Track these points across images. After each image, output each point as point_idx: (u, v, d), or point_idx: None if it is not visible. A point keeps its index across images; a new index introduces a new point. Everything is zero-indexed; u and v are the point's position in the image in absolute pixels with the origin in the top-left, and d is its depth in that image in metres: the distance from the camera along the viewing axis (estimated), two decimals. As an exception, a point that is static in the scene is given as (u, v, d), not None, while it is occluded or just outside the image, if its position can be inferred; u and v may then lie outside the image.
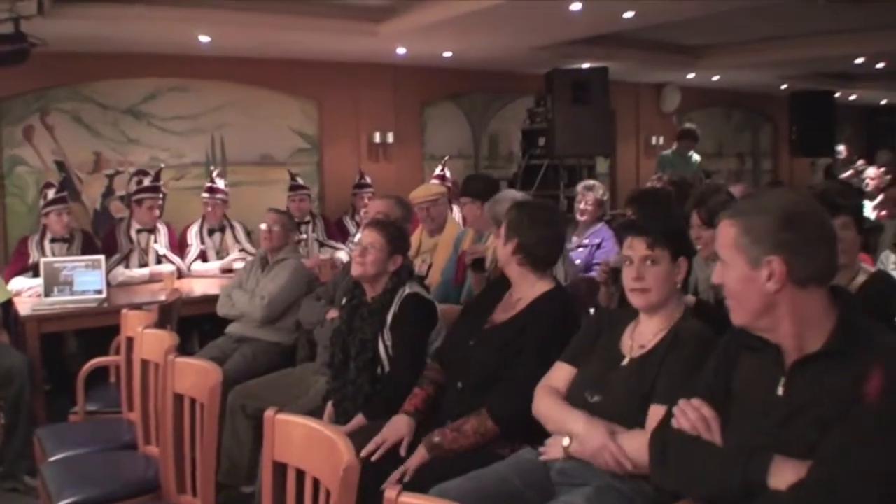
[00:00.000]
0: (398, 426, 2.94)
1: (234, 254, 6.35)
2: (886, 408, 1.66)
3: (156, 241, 6.12)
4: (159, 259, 6.07)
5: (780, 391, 1.85)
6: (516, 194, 4.21)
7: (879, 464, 1.63)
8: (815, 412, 1.75)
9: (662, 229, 2.51)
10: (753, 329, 1.90)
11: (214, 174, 6.73)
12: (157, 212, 6.17)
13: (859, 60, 9.31)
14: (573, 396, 2.50)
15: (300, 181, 7.13)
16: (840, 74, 11.23)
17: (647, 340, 2.46)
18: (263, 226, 5.00)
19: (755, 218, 1.84)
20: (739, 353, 2.00)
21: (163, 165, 6.93)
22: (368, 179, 7.59)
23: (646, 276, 2.47)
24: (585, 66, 8.59)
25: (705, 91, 11.74)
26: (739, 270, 1.85)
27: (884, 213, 7.16)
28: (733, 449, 1.85)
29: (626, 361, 2.47)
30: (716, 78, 10.76)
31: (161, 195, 6.28)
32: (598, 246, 5.37)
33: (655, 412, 2.19)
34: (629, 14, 6.36)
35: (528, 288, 3.00)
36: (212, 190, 6.50)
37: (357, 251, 3.46)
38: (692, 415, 1.94)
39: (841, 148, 11.46)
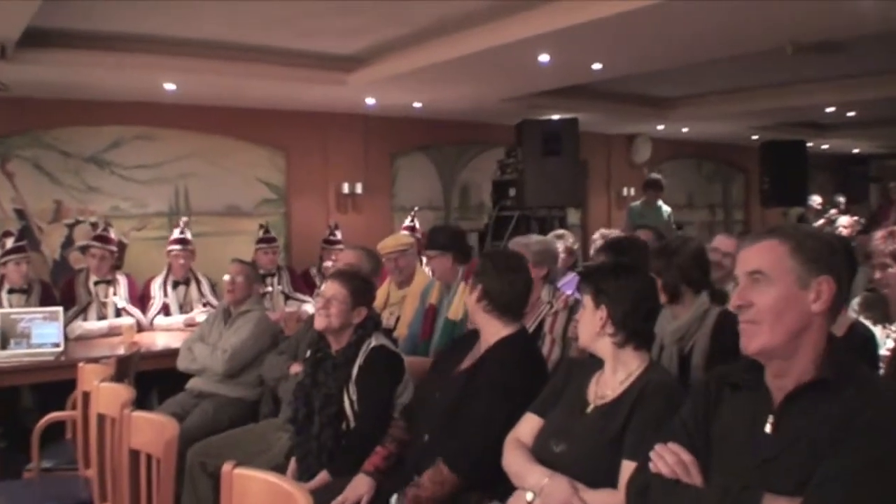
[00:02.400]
0: (358, 486, 2.94)
1: (199, 308, 6.31)
2: (881, 436, 1.70)
3: (115, 294, 6.07)
4: (118, 312, 6.02)
5: (768, 428, 1.87)
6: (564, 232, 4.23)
7: (876, 492, 1.66)
8: (806, 443, 1.77)
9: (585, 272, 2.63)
10: (769, 356, 1.90)
11: (183, 224, 6.67)
12: (106, 263, 6.11)
13: (830, 109, 9.54)
14: (539, 446, 2.52)
15: (271, 233, 7.12)
16: (811, 124, 11.50)
17: (610, 389, 2.49)
18: (227, 277, 4.99)
19: (807, 239, 1.90)
20: (721, 394, 2.01)
21: (102, 223, 6.62)
22: (339, 235, 7.58)
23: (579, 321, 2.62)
24: (556, 116, 8.73)
25: (676, 142, 11.97)
26: (783, 290, 1.87)
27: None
28: (719, 489, 1.85)
29: (590, 409, 2.49)
30: (686, 129, 10.99)
31: (113, 247, 6.23)
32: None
33: (627, 467, 2.20)
34: (597, 66, 6.50)
35: (492, 334, 3.03)
36: (182, 241, 6.45)
37: (320, 303, 3.47)
38: (670, 459, 1.95)
39: (816, 197, 11.65)
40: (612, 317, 2.50)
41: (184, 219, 6.97)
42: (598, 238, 5.39)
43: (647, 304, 2.55)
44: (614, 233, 5.59)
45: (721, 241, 4.32)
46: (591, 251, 4.31)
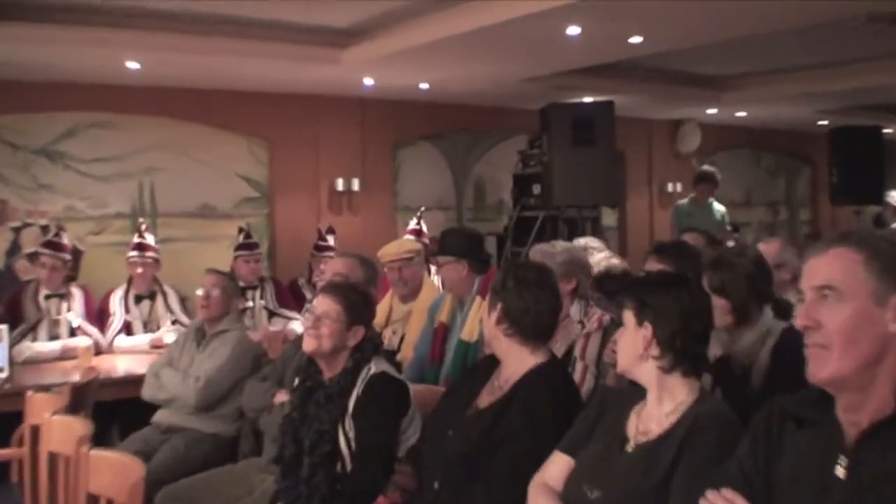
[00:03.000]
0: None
1: (167, 326, 6.33)
2: None
3: (69, 309, 6.09)
4: (73, 331, 6.04)
5: (839, 472, 1.85)
6: (590, 241, 4.20)
7: None
8: (886, 491, 1.76)
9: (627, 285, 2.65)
10: (840, 386, 1.89)
11: (143, 228, 6.71)
12: (59, 274, 6.13)
13: (911, 90, 9.49)
14: (570, 492, 2.51)
15: (253, 237, 7.14)
16: (889, 107, 11.44)
17: (654, 423, 2.48)
18: (200, 291, 5.00)
19: (884, 246, 1.87)
20: (784, 430, 2.01)
21: (54, 226, 6.63)
22: (332, 240, 7.57)
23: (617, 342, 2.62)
24: (587, 99, 8.72)
25: (730, 129, 11.94)
26: (857, 308, 1.85)
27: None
28: None
29: (630, 447, 2.48)
30: (742, 114, 10.95)
31: (66, 255, 6.24)
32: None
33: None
34: (636, 39, 6.50)
35: (517, 364, 3.01)
36: (141, 247, 6.48)
37: (309, 321, 3.47)
38: None
39: (895, 193, 11.57)
40: (659, 336, 2.49)
41: (141, 220, 7.00)
42: (601, 259, 5.21)
43: (701, 322, 2.54)
44: (615, 263, 5.35)
45: (765, 248, 4.31)
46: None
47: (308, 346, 3.44)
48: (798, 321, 1.94)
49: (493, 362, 3.15)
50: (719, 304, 3.14)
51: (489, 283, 4.24)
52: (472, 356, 4.37)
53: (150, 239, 6.60)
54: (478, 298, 4.55)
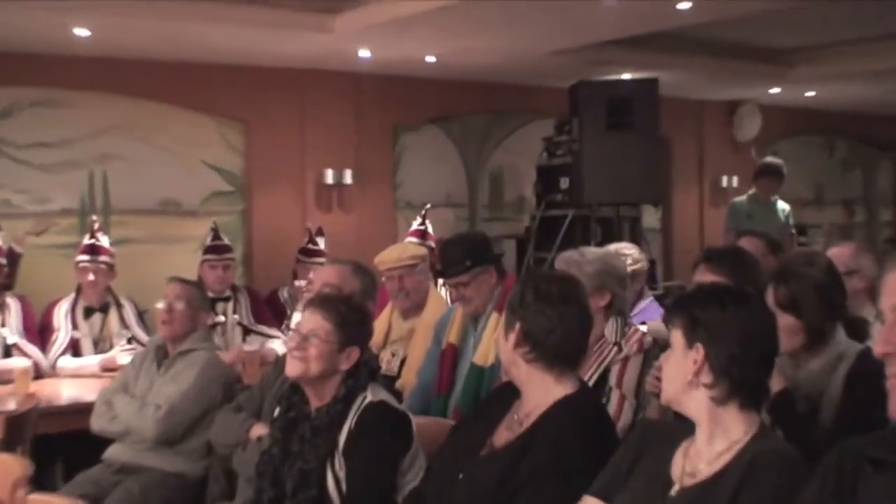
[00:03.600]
0: None
1: (121, 345, 6.32)
2: None
3: (3, 325, 6.10)
4: (8, 350, 6.05)
5: None
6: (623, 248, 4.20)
7: None
8: None
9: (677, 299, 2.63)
10: None
11: (95, 227, 6.67)
12: None
13: None
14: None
15: (224, 239, 7.14)
16: None
17: (704, 463, 2.48)
18: (161, 303, 5.00)
19: None
20: (859, 474, 2.01)
21: None
22: (322, 244, 7.58)
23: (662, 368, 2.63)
24: (626, 76, 8.73)
25: (797, 112, 11.95)
26: None
27: None
28: None
29: (674, 491, 2.48)
30: (811, 94, 10.95)
31: (1, 259, 6.24)
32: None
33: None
34: (685, 4, 6.50)
35: (541, 395, 3.00)
36: (93, 250, 6.46)
37: (294, 341, 3.47)
38: None
39: None
40: (712, 360, 2.48)
41: (94, 217, 6.97)
42: (630, 258, 5.23)
43: (764, 345, 2.54)
44: (633, 254, 5.36)
45: (835, 253, 4.31)
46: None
47: (292, 370, 3.43)
48: (877, 347, 1.94)
49: (511, 392, 3.14)
50: (786, 322, 3.13)
51: (507, 294, 4.26)
52: (486, 384, 4.37)
53: (103, 240, 6.58)
54: (494, 314, 4.55)
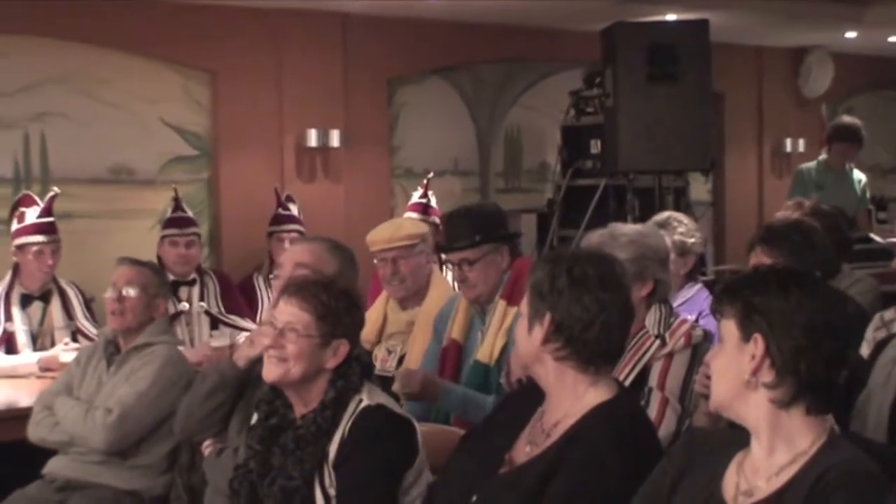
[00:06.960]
0: None
1: (66, 340, 6.34)
2: None
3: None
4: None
5: None
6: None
7: None
8: None
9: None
10: None
11: (40, 198, 6.66)
12: None
13: None
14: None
15: (187, 211, 7.18)
16: None
17: (763, 480, 2.50)
18: (110, 292, 5.02)
19: None
20: None
21: None
22: (294, 208, 7.62)
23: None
24: (670, 17, 8.72)
25: (877, 62, 11.93)
26: None
27: None
28: None
29: (729, 513, 2.50)
30: (894, 39, 10.91)
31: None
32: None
33: None
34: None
35: (572, 401, 2.98)
36: (47, 229, 6.49)
37: (269, 338, 3.44)
38: None
39: None
40: (774, 356, 2.48)
41: (56, 189, 6.91)
42: (682, 227, 5.26)
43: (835, 339, 2.51)
44: (687, 225, 5.37)
45: None
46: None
47: (270, 373, 3.42)
48: None
49: (531, 395, 3.14)
50: None
51: (518, 280, 4.26)
52: (492, 383, 4.40)
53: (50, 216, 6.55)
54: (501, 303, 4.57)
